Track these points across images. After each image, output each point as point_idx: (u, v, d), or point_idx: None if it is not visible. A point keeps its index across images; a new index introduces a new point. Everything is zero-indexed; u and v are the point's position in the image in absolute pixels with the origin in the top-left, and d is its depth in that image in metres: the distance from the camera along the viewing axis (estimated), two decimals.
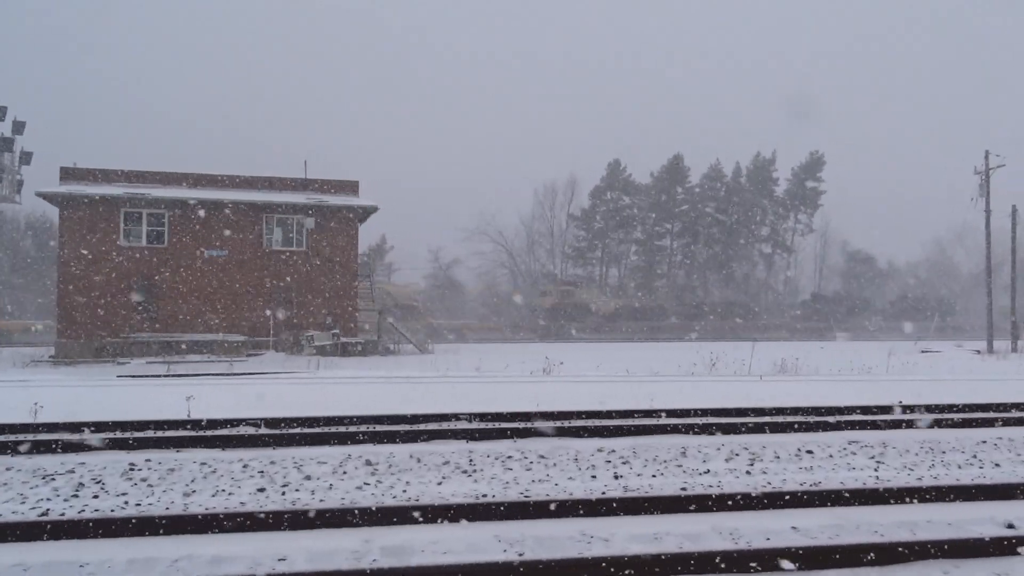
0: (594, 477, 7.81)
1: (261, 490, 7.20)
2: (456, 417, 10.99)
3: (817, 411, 11.90)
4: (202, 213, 33.13)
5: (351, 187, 36.55)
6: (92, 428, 10.10)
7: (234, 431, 9.97)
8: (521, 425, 10.30)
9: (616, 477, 7.80)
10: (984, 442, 9.79)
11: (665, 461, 8.53)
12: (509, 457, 8.60)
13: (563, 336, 61.30)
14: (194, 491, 7.17)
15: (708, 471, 8.11)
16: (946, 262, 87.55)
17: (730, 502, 6.61)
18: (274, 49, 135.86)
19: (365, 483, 7.47)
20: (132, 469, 7.95)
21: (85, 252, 31.86)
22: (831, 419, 11.00)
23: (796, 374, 20.77)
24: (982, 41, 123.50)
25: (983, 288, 42.36)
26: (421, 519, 6.13)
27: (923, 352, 34.23)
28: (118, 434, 9.70)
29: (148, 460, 8.34)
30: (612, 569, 4.99)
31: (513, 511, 6.25)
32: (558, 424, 10.39)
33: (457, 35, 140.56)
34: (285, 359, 29.32)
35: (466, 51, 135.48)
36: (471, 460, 8.45)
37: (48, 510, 6.47)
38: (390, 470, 8.00)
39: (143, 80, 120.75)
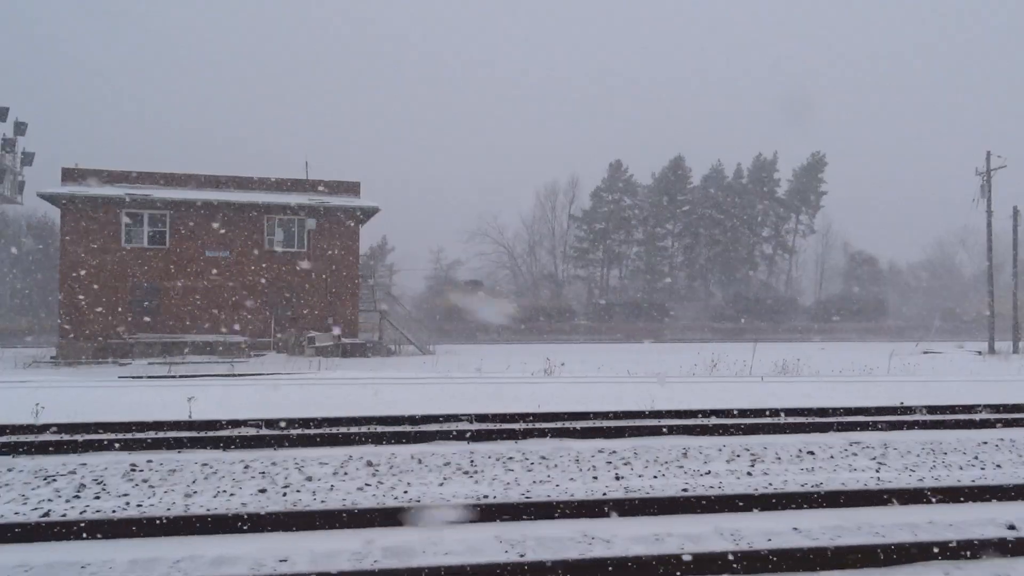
0: (595, 478, 7.81)
1: (262, 491, 7.21)
2: (457, 418, 11.00)
3: (818, 412, 11.90)
4: (204, 214, 33.17)
5: (352, 188, 36.58)
6: (93, 429, 10.12)
7: (235, 432, 9.99)
8: (522, 426, 10.31)
9: (617, 478, 7.80)
10: (985, 443, 9.80)
11: (666, 462, 8.53)
12: (510, 458, 8.61)
13: (555, 336, 61.29)
14: (195, 492, 7.17)
15: (709, 472, 8.11)
16: (948, 263, 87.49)
17: (731, 503, 6.61)
18: (275, 50, 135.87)
19: (366, 484, 7.47)
20: (133, 470, 7.97)
21: (87, 253, 31.89)
22: (832, 420, 11.00)
23: (797, 375, 20.77)
24: (983, 41, 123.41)
25: (985, 289, 42.31)
26: (422, 520, 6.13)
27: (924, 353, 34.22)
28: (119, 435, 9.72)
29: (149, 461, 8.36)
30: (614, 570, 5.00)
31: (514, 512, 6.25)
32: (559, 425, 10.41)
33: (458, 36, 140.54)
34: (286, 360, 29.33)
35: (468, 52, 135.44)
36: (472, 461, 8.45)
37: (50, 511, 6.48)
38: (391, 471, 8.01)
39: (144, 81, 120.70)
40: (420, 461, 8.42)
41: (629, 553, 5.20)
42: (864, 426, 10.75)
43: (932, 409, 12.25)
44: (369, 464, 8.26)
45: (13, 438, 9.46)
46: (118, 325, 32.04)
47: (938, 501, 6.88)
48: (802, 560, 5.19)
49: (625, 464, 8.41)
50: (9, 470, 7.92)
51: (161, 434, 9.79)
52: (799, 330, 67.45)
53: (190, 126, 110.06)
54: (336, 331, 33.57)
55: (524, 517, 6.23)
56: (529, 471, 8.07)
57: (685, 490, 7.26)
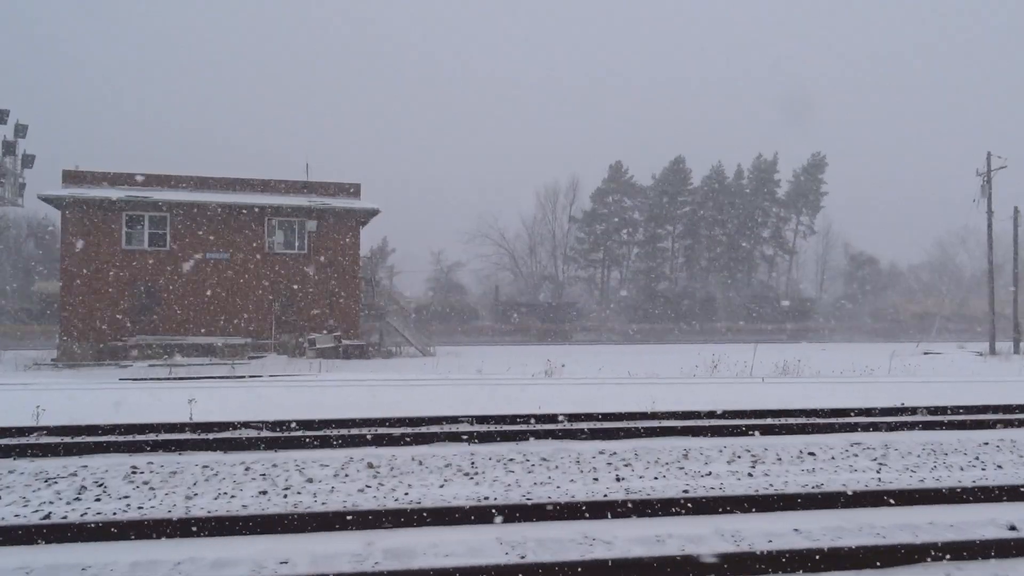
0: (596, 479, 7.80)
1: (263, 493, 7.21)
2: (458, 420, 11.00)
3: (819, 413, 11.90)
4: (204, 216, 33.18)
5: (353, 190, 36.60)
6: (94, 431, 10.12)
7: (236, 434, 9.99)
8: (522, 427, 10.30)
9: (618, 479, 7.80)
10: (986, 444, 9.79)
11: (667, 463, 8.53)
12: (511, 460, 8.61)
13: (561, 339, 61.24)
14: (196, 494, 7.17)
15: (710, 473, 8.10)
16: (949, 264, 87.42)
17: (732, 504, 6.61)
18: (275, 50, 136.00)
19: (367, 486, 7.47)
20: (134, 472, 7.97)
21: (87, 255, 31.90)
22: (833, 421, 11.00)
23: (798, 376, 20.76)
24: (983, 41, 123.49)
25: (986, 290, 42.28)
26: (423, 521, 6.14)
27: (925, 354, 34.20)
28: (120, 437, 9.72)
29: (150, 463, 8.36)
30: (614, 571, 5.00)
31: (515, 513, 6.25)
32: (561, 426, 10.41)
33: (458, 36, 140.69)
34: (287, 362, 29.34)
35: (467, 52, 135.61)
36: (473, 463, 8.45)
37: (50, 513, 6.48)
38: (392, 472, 8.01)
39: (144, 81, 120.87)
40: (421, 463, 8.42)
41: (630, 555, 5.19)
42: (865, 427, 10.75)
43: (933, 410, 12.24)
44: (370, 466, 8.26)
45: (14, 440, 9.46)
46: (119, 327, 32.05)
47: (939, 502, 6.88)
48: (802, 561, 5.19)
49: (626, 465, 8.40)
50: (10, 472, 7.92)
51: (162, 436, 9.79)
52: (806, 330, 67.57)
53: (190, 126, 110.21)
54: (337, 333, 33.57)
55: (524, 518, 6.22)
56: (530, 473, 8.07)
57: (686, 491, 7.26)
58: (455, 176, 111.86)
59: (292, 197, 34.97)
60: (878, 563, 5.28)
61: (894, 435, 10.38)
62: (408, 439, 9.59)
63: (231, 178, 35.24)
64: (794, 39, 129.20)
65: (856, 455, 9.07)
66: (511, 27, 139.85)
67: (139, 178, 33.93)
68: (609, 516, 6.33)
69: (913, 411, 12.16)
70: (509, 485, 7.54)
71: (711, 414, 11.63)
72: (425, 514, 6.18)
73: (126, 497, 7.05)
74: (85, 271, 31.92)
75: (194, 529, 5.85)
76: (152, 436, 9.83)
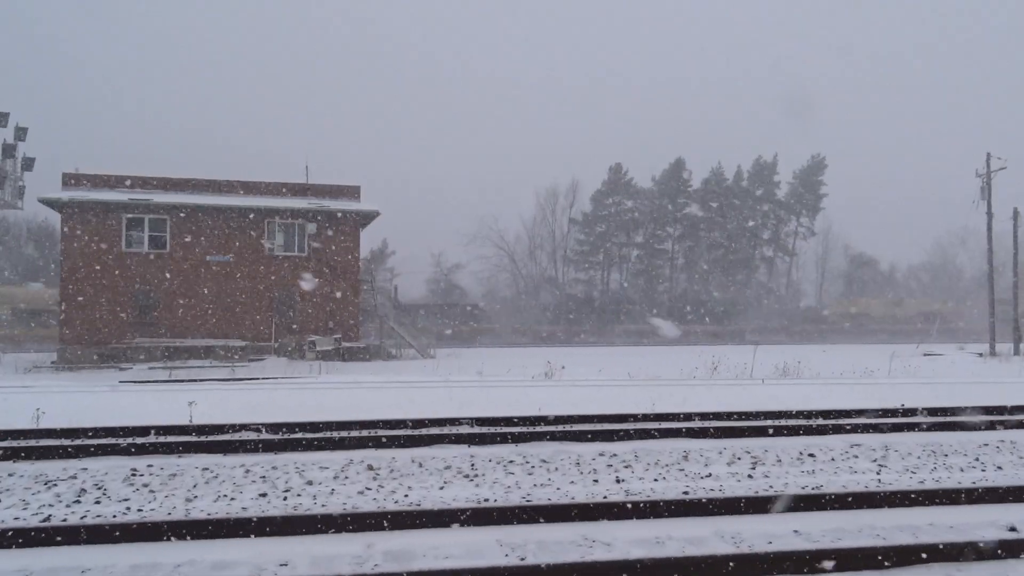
0: (596, 481, 7.80)
1: (263, 495, 7.21)
2: (458, 422, 11.00)
3: (819, 415, 11.90)
4: (204, 218, 33.19)
5: (353, 192, 36.60)
6: (94, 434, 10.12)
7: (236, 436, 9.99)
8: (522, 429, 10.30)
9: (618, 481, 7.80)
10: (986, 445, 9.79)
11: (667, 465, 8.53)
12: (511, 462, 8.60)
13: (564, 341, 61.21)
14: (196, 496, 7.17)
15: (710, 475, 8.10)
16: (948, 265, 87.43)
17: (732, 505, 6.61)
18: (275, 50, 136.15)
19: (367, 488, 7.47)
20: (134, 475, 7.97)
21: (87, 258, 31.91)
22: (832, 422, 11.00)
23: (798, 377, 20.76)
24: (983, 41, 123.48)
25: (985, 291, 42.28)
26: (422, 524, 6.14)
27: (925, 355, 34.19)
28: (120, 440, 9.72)
29: (150, 466, 8.36)
30: (614, 573, 5.00)
31: (515, 515, 6.25)
32: (560, 428, 10.40)
33: (459, 38, 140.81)
34: (287, 364, 29.33)
35: (468, 54, 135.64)
36: (473, 464, 8.45)
37: (50, 516, 6.48)
38: (392, 474, 8.00)
39: (144, 81, 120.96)
40: (421, 465, 8.42)
41: (630, 556, 5.19)
42: (865, 428, 10.75)
43: (933, 411, 12.24)
44: (370, 468, 8.26)
45: (14, 443, 9.46)
46: (119, 330, 32.05)
47: (939, 503, 6.88)
48: (802, 562, 5.19)
49: (626, 467, 8.40)
50: (10, 475, 7.92)
51: (162, 439, 9.79)
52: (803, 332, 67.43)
53: (190, 126, 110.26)
54: (337, 335, 33.57)
55: (524, 520, 6.22)
56: (530, 474, 8.07)
57: (686, 493, 7.26)
58: (455, 176, 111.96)
59: (292, 199, 34.98)
60: (879, 564, 5.27)
61: (894, 436, 10.38)
62: (408, 441, 9.59)
63: (231, 180, 35.25)
64: (794, 39, 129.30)
65: (856, 456, 9.07)
66: (511, 27, 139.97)
67: (139, 181, 33.93)
68: (609, 518, 6.33)
69: (913, 412, 12.16)
70: (509, 487, 7.54)
71: (711, 415, 11.63)
72: (425, 516, 6.18)
73: (126, 500, 7.05)
74: (85, 274, 31.92)
75: (194, 531, 5.85)
76: (152, 439, 9.83)
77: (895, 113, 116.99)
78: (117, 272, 32.29)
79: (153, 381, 20.85)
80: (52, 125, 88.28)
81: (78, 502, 6.96)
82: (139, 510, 6.71)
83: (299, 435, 10.00)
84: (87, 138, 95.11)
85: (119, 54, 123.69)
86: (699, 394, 15.41)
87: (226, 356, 31.02)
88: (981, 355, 35.20)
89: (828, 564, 5.20)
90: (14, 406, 12.85)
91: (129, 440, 9.62)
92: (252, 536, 5.88)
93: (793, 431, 10.51)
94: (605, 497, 7.07)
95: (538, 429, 10.28)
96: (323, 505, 6.85)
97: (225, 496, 7.18)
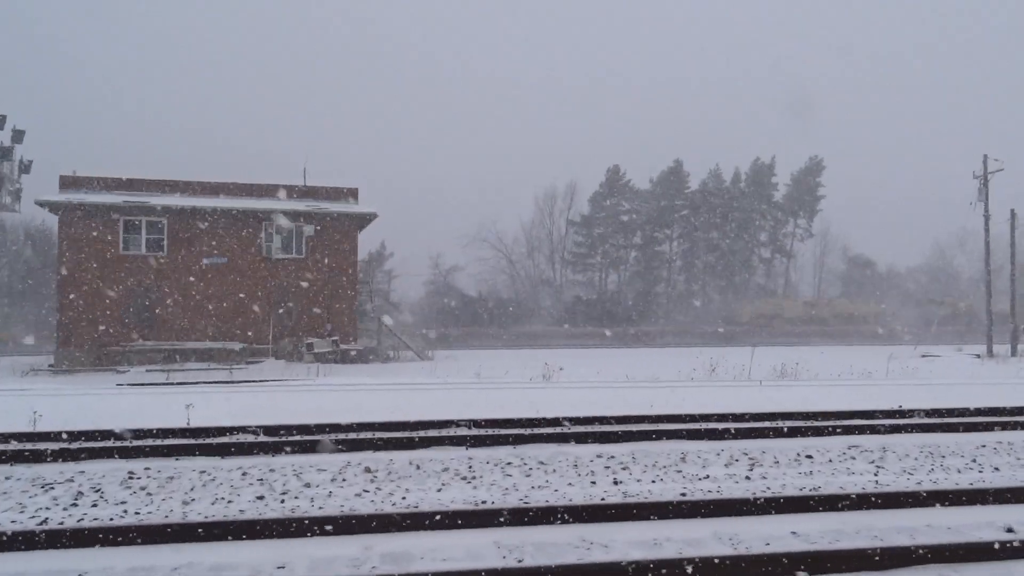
0: (593, 483, 7.80)
1: (260, 498, 7.20)
2: (456, 424, 10.99)
3: (816, 416, 11.90)
4: (201, 221, 33.16)
5: (350, 194, 36.58)
6: (91, 437, 10.10)
7: (233, 439, 9.98)
8: (520, 431, 10.30)
9: (615, 483, 7.80)
10: (984, 446, 9.80)
11: (664, 467, 8.53)
12: (508, 463, 8.60)
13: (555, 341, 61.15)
14: (193, 499, 7.16)
15: (708, 476, 8.10)
16: (946, 266, 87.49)
17: (730, 507, 6.61)
18: (275, 50, 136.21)
19: (365, 490, 7.46)
20: (131, 477, 7.96)
21: (84, 260, 31.86)
22: (830, 424, 11.01)
23: (796, 379, 20.77)
24: (984, 41, 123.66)
25: (983, 292, 42.34)
26: (421, 526, 6.13)
27: (923, 356, 34.22)
28: (117, 443, 9.71)
29: (147, 468, 8.35)
30: (612, 575, 5.00)
31: (512, 517, 6.25)
32: (557, 430, 10.40)
33: (459, 38, 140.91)
34: (285, 366, 29.31)
35: (468, 54, 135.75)
36: (471, 467, 8.45)
37: (47, 519, 6.47)
38: (389, 477, 8.00)
39: (144, 81, 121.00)
40: (418, 467, 8.42)
41: (627, 558, 5.19)
42: (862, 429, 10.75)
43: (930, 412, 12.25)
44: (367, 470, 8.26)
45: (10, 446, 9.44)
46: (116, 332, 32.00)
47: (936, 504, 6.88)
48: (801, 563, 5.19)
49: (623, 469, 8.40)
50: (6, 478, 7.91)
51: (159, 441, 9.78)
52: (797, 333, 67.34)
53: (190, 126, 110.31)
54: (334, 337, 33.55)
55: (522, 522, 6.22)
56: (528, 476, 8.06)
57: (684, 494, 7.26)
58: (454, 177, 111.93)
59: (290, 202, 34.95)
60: (876, 565, 5.28)
61: (892, 437, 10.39)
62: (406, 443, 9.58)
63: (229, 183, 35.22)
64: (794, 39, 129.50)
65: (854, 458, 9.08)
66: (511, 27, 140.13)
67: (136, 183, 33.89)
68: (607, 519, 6.33)
69: (911, 414, 12.17)
70: (507, 489, 7.53)
71: (709, 417, 11.64)
72: (423, 518, 6.17)
73: (123, 503, 7.04)
74: (82, 276, 31.88)
75: (191, 534, 5.84)
76: (149, 441, 9.81)
77: (895, 113, 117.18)
78: (114, 274, 32.24)
79: (151, 384, 20.83)
80: (52, 125, 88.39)
81: (75, 505, 6.95)
82: (136, 513, 6.70)
83: (296, 437, 9.99)
84: (87, 138, 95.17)
85: (119, 54, 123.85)
86: (697, 395, 15.41)
87: (224, 358, 30.99)
88: (979, 356, 35.23)
89: (826, 565, 5.21)
90: (11, 409, 12.83)
91: (126, 443, 9.60)
92: (250, 539, 5.88)
93: (791, 433, 10.52)
94: (603, 499, 7.07)
95: (536, 431, 10.28)
96: (321, 507, 6.85)
97: (222, 499, 7.17)
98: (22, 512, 6.71)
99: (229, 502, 7.06)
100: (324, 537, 5.93)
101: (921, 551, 5.36)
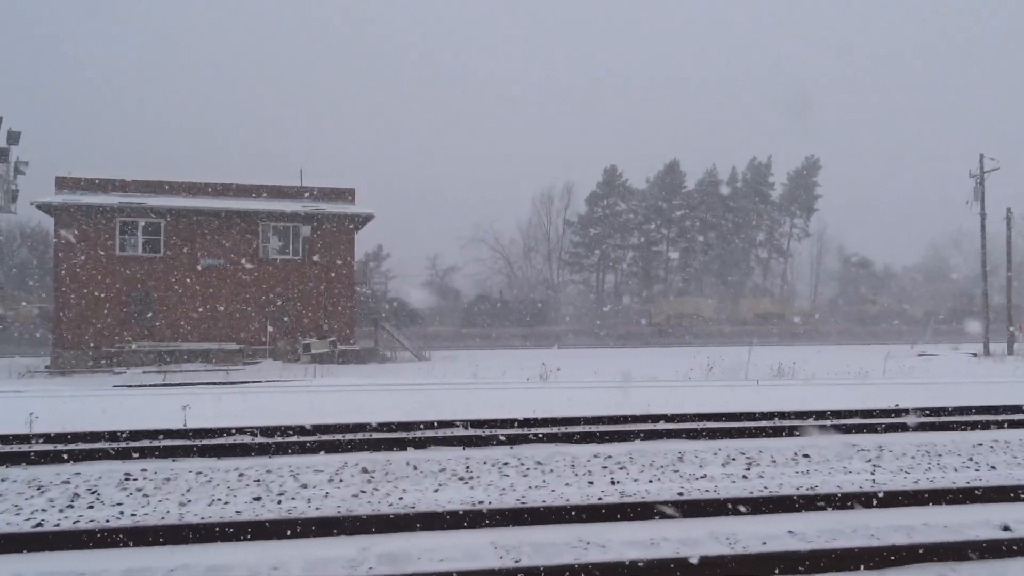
0: (591, 483, 7.80)
1: (257, 499, 7.19)
2: (453, 424, 10.98)
3: (813, 415, 11.90)
4: (198, 222, 33.11)
5: (347, 195, 36.56)
6: (87, 438, 10.08)
7: (230, 440, 9.97)
8: (517, 431, 10.30)
9: (613, 483, 7.80)
10: (980, 445, 9.81)
11: (662, 466, 8.53)
12: (506, 464, 8.60)
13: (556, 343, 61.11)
14: (190, 500, 7.15)
15: (705, 476, 8.10)
16: (943, 266, 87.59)
17: (727, 507, 6.61)
18: (275, 52, 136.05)
19: (361, 491, 7.45)
20: (128, 479, 7.94)
21: (81, 262, 31.80)
22: (827, 423, 11.01)
23: (793, 378, 20.79)
24: (984, 41, 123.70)
25: (979, 291, 42.39)
26: (417, 526, 6.13)
27: (919, 355, 34.26)
28: (113, 444, 9.69)
29: (144, 470, 8.33)
30: (609, 575, 4.99)
31: (509, 518, 6.24)
32: (555, 430, 10.40)
33: (459, 38, 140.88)
34: (282, 367, 29.28)
35: (468, 54, 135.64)
36: (468, 467, 8.44)
37: (43, 521, 6.45)
38: (386, 477, 7.99)
39: (144, 81, 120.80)
40: (415, 467, 8.41)
41: (624, 558, 5.19)
42: (859, 428, 10.76)
43: (927, 411, 12.26)
44: (364, 471, 8.25)
45: (7, 448, 9.42)
46: (113, 334, 31.94)
47: (933, 503, 6.89)
48: (797, 562, 5.19)
49: (621, 468, 8.40)
50: (2, 480, 7.89)
51: (156, 443, 9.76)
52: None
53: (190, 126, 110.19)
54: (332, 338, 33.52)
55: (519, 522, 6.22)
56: (525, 476, 8.06)
57: (681, 494, 7.26)
58: (454, 177, 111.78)
59: (287, 202, 34.91)
60: (873, 564, 5.28)
61: (888, 436, 10.40)
62: (403, 444, 9.57)
63: (226, 184, 35.18)
64: (794, 39, 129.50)
65: (851, 457, 9.08)
66: (511, 27, 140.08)
67: (133, 184, 33.83)
68: (603, 519, 6.32)
69: (907, 412, 12.18)
70: (504, 489, 7.53)
71: (705, 416, 11.64)
72: (419, 518, 6.17)
73: (119, 504, 7.02)
74: (78, 278, 31.81)
75: (187, 535, 5.83)
76: (146, 443, 9.79)
77: (895, 113, 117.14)
78: (111, 276, 32.18)
79: (148, 385, 20.80)
80: (52, 125, 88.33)
81: (71, 507, 6.93)
82: (132, 515, 6.68)
83: (293, 438, 9.97)
84: (87, 138, 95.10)
85: (119, 54, 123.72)
86: (694, 395, 15.42)
87: (221, 359, 30.96)
88: (975, 355, 35.30)
89: (822, 564, 5.21)
90: (7, 411, 12.80)
91: (123, 444, 9.58)
92: (246, 540, 5.87)
93: (788, 432, 10.52)
94: (600, 499, 7.07)
95: (533, 431, 10.27)
96: (317, 508, 6.84)
97: (219, 500, 7.15)
98: (18, 514, 6.70)
99: (226, 503, 7.05)
100: (320, 538, 5.92)
101: (918, 549, 5.37)
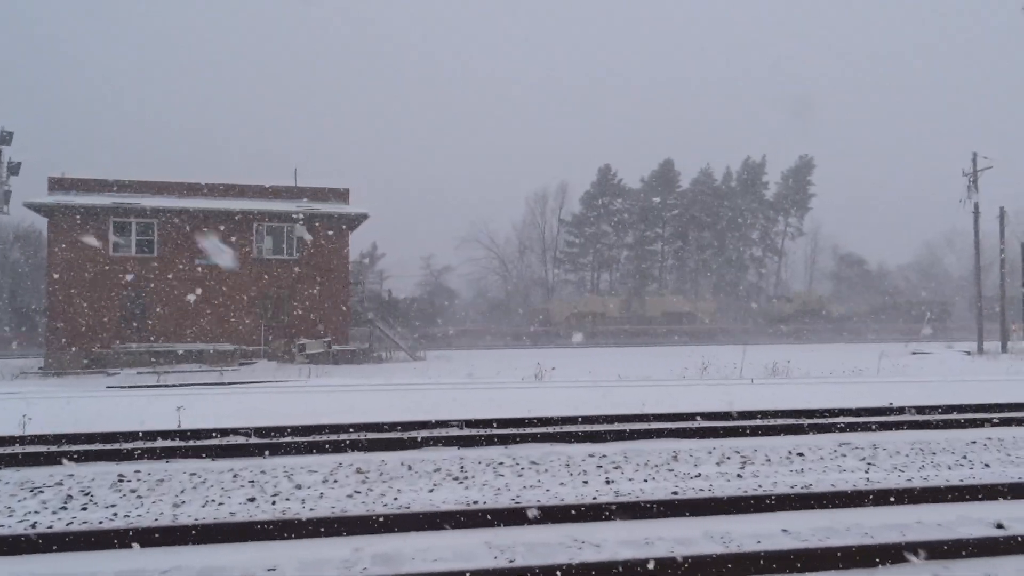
0: (585, 483, 7.80)
1: (251, 500, 7.17)
2: (447, 424, 10.98)
3: (807, 414, 11.93)
4: (192, 222, 33.04)
5: (342, 195, 36.53)
6: (81, 440, 10.05)
7: (224, 441, 9.94)
8: (512, 431, 10.30)
9: (607, 482, 7.80)
10: (974, 443, 9.85)
11: (656, 465, 8.53)
12: (500, 463, 8.59)
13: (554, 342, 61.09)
14: (184, 502, 7.13)
15: (699, 475, 8.11)
16: (936, 264, 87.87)
17: (721, 505, 6.61)
18: (275, 52, 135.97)
19: (356, 491, 7.44)
20: (121, 480, 7.91)
21: (74, 263, 31.70)
22: (822, 421, 11.04)
23: (787, 377, 20.83)
24: (984, 41, 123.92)
25: (973, 290, 42.53)
26: (412, 527, 6.12)
27: (913, 354, 34.37)
28: (107, 445, 9.66)
29: (137, 471, 8.31)
30: (603, 574, 4.99)
31: (504, 517, 6.24)
32: (549, 430, 10.40)
33: (459, 38, 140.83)
34: (277, 368, 29.24)
35: (468, 54, 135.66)
36: (463, 467, 8.44)
37: (36, 523, 6.43)
38: (381, 478, 7.98)
39: (144, 81, 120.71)
40: (410, 468, 8.40)
41: (618, 557, 5.19)
42: (853, 427, 10.79)
43: (921, 409, 12.30)
44: (359, 471, 8.24)
45: None
46: (106, 335, 31.86)
47: (927, 501, 6.90)
48: (791, 561, 5.20)
49: (615, 468, 8.40)
50: None
51: (149, 444, 9.73)
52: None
53: (190, 126, 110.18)
54: (326, 338, 33.47)
55: (514, 522, 6.21)
56: (519, 476, 8.06)
57: (675, 493, 7.26)
58: (454, 177, 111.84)
59: (281, 202, 34.86)
60: (866, 563, 5.29)
61: (883, 435, 10.42)
62: (397, 444, 9.57)
63: (219, 184, 35.12)
64: (794, 39, 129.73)
65: (845, 455, 9.10)
66: (511, 27, 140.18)
67: (126, 184, 33.74)
68: (598, 519, 6.32)
69: (901, 411, 12.22)
70: (499, 489, 7.52)
71: (700, 415, 11.65)
72: (414, 519, 6.16)
73: (113, 506, 7.00)
74: (72, 279, 31.71)
75: (181, 537, 5.81)
76: (140, 444, 9.77)
77: (894, 113, 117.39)
78: (104, 276, 32.09)
79: (142, 386, 20.74)
80: (52, 125, 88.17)
81: (64, 508, 6.90)
82: (126, 516, 6.66)
83: (288, 439, 9.96)
84: (87, 138, 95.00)
85: (119, 54, 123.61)
86: (688, 394, 15.44)
87: (215, 360, 30.89)
88: (969, 353, 35.41)
89: (816, 563, 5.21)
90: (0, 412, 12.75)
91: (116, 445, 9.56)
92: (240, 541, 5.85)
93: (782, 430, 10.54)
94: (594, 498, 7.07)
95: (528, 431, 10.27)
96: (312, 509, 6.82)
97: (213, 501, 7.14)
98: (10, 516, 6.67)
99: (220, 504, 7.03)
100: (315, 539, 5.91)
101: (911, 548, 5.38)
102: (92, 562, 5.39)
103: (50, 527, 6.25)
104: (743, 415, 11.78)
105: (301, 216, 33.96)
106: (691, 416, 11.61)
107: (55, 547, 5.64)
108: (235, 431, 10.44)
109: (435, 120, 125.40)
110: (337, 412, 12.51)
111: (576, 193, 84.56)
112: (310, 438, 10.02)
